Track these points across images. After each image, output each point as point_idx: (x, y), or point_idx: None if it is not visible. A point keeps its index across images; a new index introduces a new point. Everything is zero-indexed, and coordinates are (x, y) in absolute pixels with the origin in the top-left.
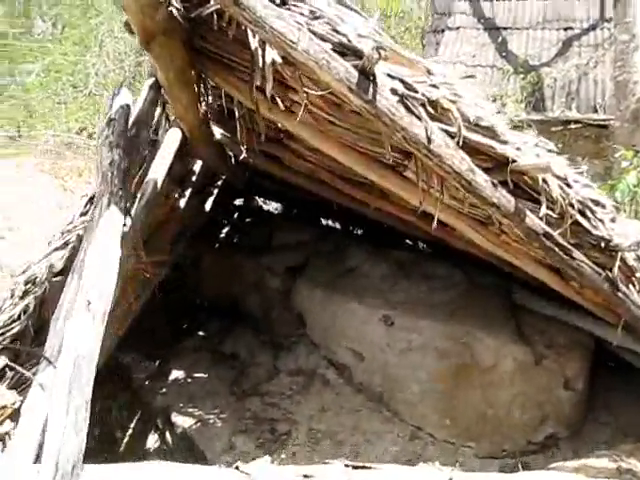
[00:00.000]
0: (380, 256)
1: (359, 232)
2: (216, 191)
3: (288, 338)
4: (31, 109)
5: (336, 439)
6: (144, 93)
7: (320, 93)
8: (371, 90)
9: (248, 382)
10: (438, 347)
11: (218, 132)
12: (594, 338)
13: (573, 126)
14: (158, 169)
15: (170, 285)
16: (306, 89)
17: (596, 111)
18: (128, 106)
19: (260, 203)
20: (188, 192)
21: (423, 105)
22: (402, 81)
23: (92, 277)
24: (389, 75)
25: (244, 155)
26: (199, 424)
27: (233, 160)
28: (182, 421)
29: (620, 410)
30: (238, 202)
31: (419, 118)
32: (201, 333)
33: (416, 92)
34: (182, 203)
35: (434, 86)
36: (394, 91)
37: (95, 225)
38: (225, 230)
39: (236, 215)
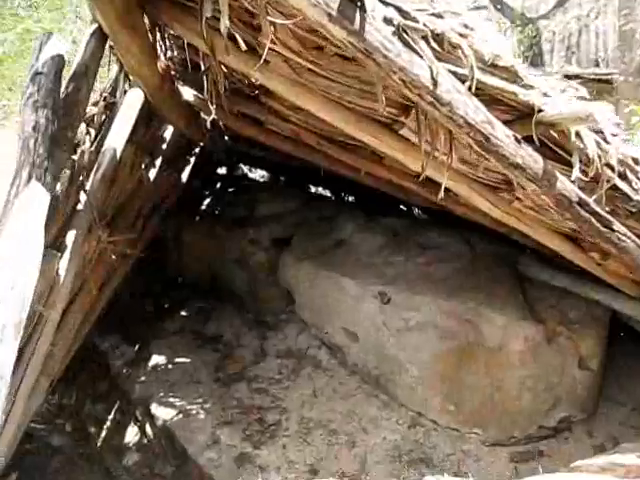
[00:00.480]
0: (372, 226)
1: (350, 199)
2: (194, 160)
3: (276, 316)
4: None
5: (330, 428)
6: (85, 42)
7: (289, 22)
8: (358, 18)
9: (233, 365)
10: (439, 326)
11: (189, 93)
12: (609, 312)
13: (574, 81)
14: (116, 137)
15: (150, 263)
16: (271, 18)
17: (598, 65)
18: (61, 57)
19: (245, 171)
20: (159, 162)
21: (425, 39)
22: (398, 8)
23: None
24: (381, 0)
25: (213, 116)
26: (180, 415)
27: (209, 125)
28: (162, 413)
29: (635, 388)
30: (220, 171)
31: (421, 56)
32: (183, 313)
33: (416, 22)
34: (152, 175)
35: (438, 16)
36: (388, 20)
37: (10, 206)
38: (206, 201)
39: (218, 185)
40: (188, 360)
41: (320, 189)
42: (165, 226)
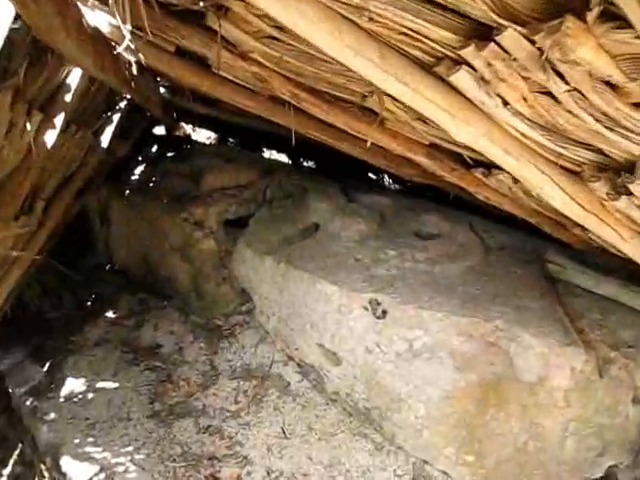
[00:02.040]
0: (353, 207)
1: (311, 165)
2: (118, 117)
3: (227, 321)
4: None
5: None
6: None
7: None
8: None
9: (176, 392)
10: (455, 350)
11: (101, 18)
12: None
13: None
14: None
15: (69, 249)
16: None
17: None
18: None
19: (188, 131)
20: (60, 120)
21: None
22: None
23: None
24: None
25: (127, 45)
26: (102, 475)
27: (134, 68)
28: (77, 470)
29: None
30: (156, 131)
31: None
32: (110, 315)
33: None
34: (50, 138)
35: None
36: None
37: None
38: (138, 171)
39: (153, 149)
40: (115, 385)
41: (282, 155)
42: (88, 202)
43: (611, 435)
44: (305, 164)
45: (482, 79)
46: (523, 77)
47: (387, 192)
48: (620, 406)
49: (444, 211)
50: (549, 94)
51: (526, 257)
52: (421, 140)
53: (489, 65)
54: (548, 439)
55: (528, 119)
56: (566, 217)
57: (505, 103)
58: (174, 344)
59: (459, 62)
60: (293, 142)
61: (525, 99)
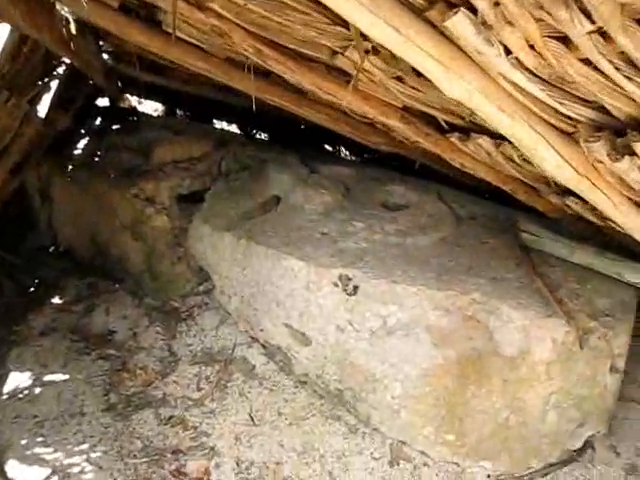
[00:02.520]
0: (316, 178)
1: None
2: (57, 84)
3: (185, 302)
4: None
5: (281, 475)
6: None
7: None
8: None
9: (132, 382)
10: (432, 326)
11: None
12: (637, 294)
13: None
14: None
15: (9, 228)
16: None
17: None
18: None
19: (134, 103)
20: None
21: None
22: None
23: None
24: None
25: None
26: (54, 478)
27: (73, 25)
28: (25, 473)
29: None
30: (100, 102)
31: None
32: (56, 301)
33: None
34: None
35: None
36: None
37: None
38: (81, 144)
39: (97, 121)
40: (64, 378)
41: (233, 127)
42: (26, 179)
43: (590, 406)
44: (258, 136)
45: (483, 23)
46: (536, 19)
47: (348, 162)
48: (599, 376)
49: (410, 181)
50: (563, 39)
51: (499, 226)
52: (395, 102)
53: (496, 5)
54: (530, 413)
55: (530, 71)
56: (546, 182)
57: (507, 52)
58: (128, 330)
59: (455, 5)
60: (254, 108)
61: (532, 46)
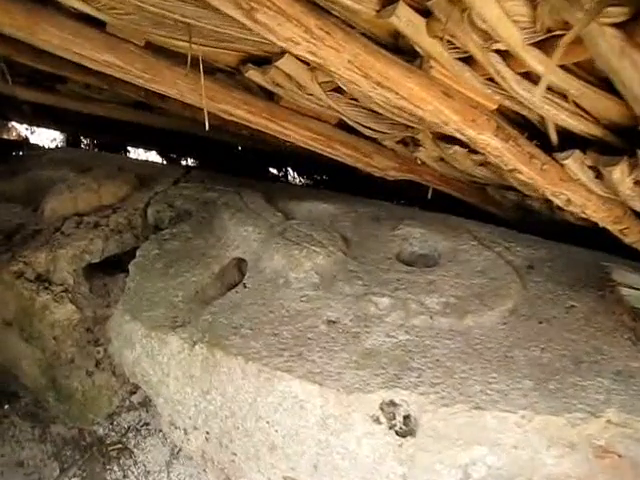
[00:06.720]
0: (291, 223)
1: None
2: None
3: (116, 425)
4: None
5: None
6: None
7: None
8: None
9: None
10: (553, 476)
11: None
12: None
13: None
14: None
15: None
16: None
17: None
18: None
19: (24, 132)
20: None
21: None
22: None
23: None
24: None
25: None
26: None
27: None
28: None
29: None
30: None
31: None
32: None
33: None
34: None
35: None
36: None
37: None
38: None
39: None
40: None
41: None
42: None
43: None
44: (184, 162)
45: None
46: None
47: (326, 195)
48: None
49: (417, 214)
50: None
51: (574, 276)
52: (487, 103)
53: None
54: None
55: None
56: None
57: None
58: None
59: None
60: (206, 125)
61: None
